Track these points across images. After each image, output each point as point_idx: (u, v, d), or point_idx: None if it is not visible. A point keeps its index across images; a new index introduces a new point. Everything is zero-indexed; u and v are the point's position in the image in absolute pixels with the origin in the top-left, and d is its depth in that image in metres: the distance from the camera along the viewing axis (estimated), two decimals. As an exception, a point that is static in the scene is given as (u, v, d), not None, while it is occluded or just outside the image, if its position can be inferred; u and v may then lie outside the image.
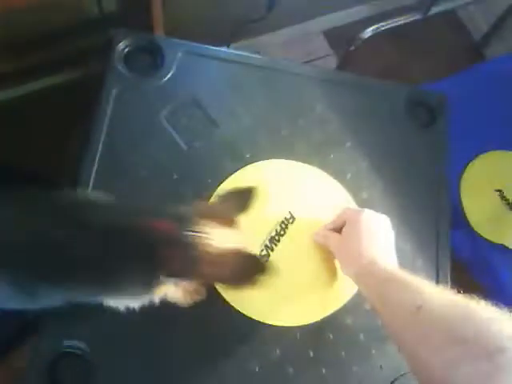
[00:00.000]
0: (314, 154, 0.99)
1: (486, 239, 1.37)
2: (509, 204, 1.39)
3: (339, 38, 1.76)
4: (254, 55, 1.08)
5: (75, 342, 0.83)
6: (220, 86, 1.03)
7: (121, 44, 1.01)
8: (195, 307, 0.85)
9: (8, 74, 1.29)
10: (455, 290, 0.69)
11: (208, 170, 0.95)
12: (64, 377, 0.82)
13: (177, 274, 0.70)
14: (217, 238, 0.68)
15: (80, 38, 1.26)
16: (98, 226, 0.67)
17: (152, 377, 0.85)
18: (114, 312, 0.79)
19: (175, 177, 0.94)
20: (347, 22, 1.77)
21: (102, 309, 0.78)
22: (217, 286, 0.87)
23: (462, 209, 1.39)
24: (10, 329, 1.06)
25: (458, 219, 1.41)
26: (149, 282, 0.71)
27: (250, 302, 0.88)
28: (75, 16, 1.22)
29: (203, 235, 0.67)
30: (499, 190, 1.39)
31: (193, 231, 0.67)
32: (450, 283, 0.96)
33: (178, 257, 0.67)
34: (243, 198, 0.74)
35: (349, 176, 0.99)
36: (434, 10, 1.67)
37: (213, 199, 0.88)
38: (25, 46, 1.25)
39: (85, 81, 1.33)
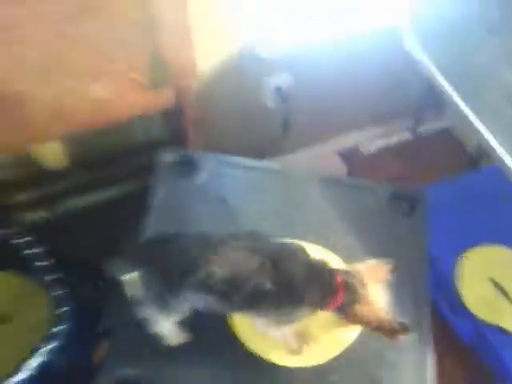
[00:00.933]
0: (318, 238, 1.23)
1: (485, 322, 1.53)
2: (502, 290, 1.56)
3: (350, 155, 2.05)
4: (270, 163, 1.39)
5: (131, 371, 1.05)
6: (242, 187, 1.33)
7: (167, 156, 1.33)
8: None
9: (80, 185, 1.64)
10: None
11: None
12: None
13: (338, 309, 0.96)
14: (372, 291, 0.96)
15: (133, 157, 1.61)
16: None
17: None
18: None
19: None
20: (356, 141, 2.07)
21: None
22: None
23: (460, 297, 1.57)
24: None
25: (457, 307, 1.59)
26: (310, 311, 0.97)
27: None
28: (127, 140, 1.58)
29: (364, 285, 0.95)
30: (492, 279, 1.58)
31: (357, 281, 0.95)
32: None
33: (344, 296, 0.94)
34: None
35: (345, 252, 1.22)
36: (431, 128, 1.98)
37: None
38: (93, 163, 1.61)
39: (139, 192, 1.65)
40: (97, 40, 1.17)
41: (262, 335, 1.09)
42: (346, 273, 1.00)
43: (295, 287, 0.95)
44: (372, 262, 1.03)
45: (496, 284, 1.57)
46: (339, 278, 0.98)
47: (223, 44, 1.51)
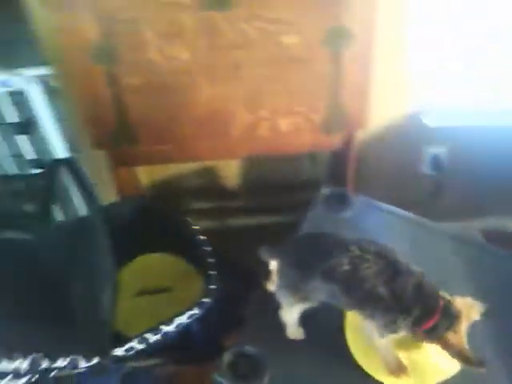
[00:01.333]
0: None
1: None
2: None
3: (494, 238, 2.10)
4: (412, 215, 1.55)
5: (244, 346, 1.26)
6: (380, 227, 1.50)
7: (325, 190, 1.57)
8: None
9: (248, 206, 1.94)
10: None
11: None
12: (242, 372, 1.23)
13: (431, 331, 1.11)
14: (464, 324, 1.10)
15: (297, 191, 1.87)
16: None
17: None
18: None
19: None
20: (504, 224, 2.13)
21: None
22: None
23: None
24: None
25: None
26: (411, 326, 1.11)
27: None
28: (296, 174, 1.85)
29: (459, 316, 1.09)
30: None
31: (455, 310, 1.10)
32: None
33: (439, 319, 1.08)
34: None
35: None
36: None
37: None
38: (255, 189, 1.91)
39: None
40: (292, 84, 1.47)
41: (370, 351, 1.24)
42: (449, 301, 1.12)
43: (405, 298, 1.10)
44: (469, 300, 1.13)
45: None
46: (441, 302, 1.11)
47: (393, 107, 1.75)
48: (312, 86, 1.48)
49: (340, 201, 1.56)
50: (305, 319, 1.29)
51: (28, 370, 1.13)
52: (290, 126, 1.55)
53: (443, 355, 1.14)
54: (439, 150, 1.89)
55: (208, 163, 1.91)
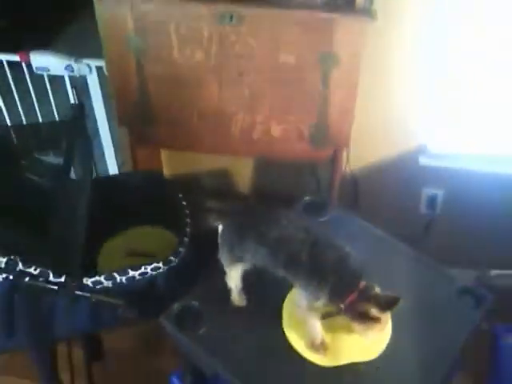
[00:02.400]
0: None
1: None
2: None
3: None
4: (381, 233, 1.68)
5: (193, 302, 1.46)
6: (349, 238, 1.64)
7: (305, 198, 1.75)
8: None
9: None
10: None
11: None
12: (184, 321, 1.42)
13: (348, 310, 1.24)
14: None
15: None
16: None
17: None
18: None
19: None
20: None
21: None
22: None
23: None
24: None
25: None
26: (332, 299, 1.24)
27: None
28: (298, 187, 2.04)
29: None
30: None
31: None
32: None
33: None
34: None
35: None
36: None
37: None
38: (263, 196, 2.13)
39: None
40: (285, 95, 1.72)
41: (299, 325, 1.37)
42: (372, 286, 1.24)
43: (324, 267, 1.24)
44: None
45: None
46: (363, 284, 1.23)
47: (389, 143, 1.93)
48: (303, 100, 1.71)
49: (318, 207, 1.73)
50: (249, 289, 1.48)
51: (5, 268, 1.40)
52: (281, 132, 1.77)
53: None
54: (435, 191, 2.02)
55: (222, 166, 2.17)
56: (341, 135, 1.75)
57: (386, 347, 1.35)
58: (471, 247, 2.14)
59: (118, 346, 2.17)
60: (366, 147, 1.98)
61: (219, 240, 1.43)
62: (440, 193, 2.03)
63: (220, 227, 1.43)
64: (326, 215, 1.70)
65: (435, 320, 1.44)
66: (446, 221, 2.09)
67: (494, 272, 2.07)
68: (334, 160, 1.81)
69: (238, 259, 1.40)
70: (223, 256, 1.42)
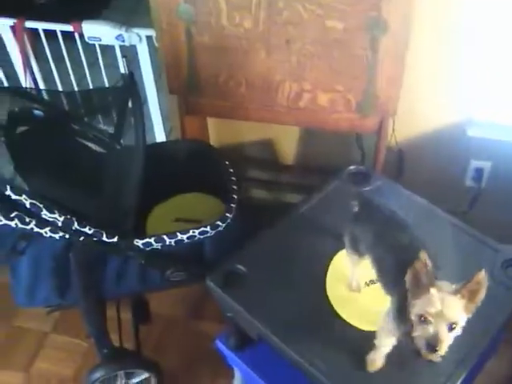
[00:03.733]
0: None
1: None
2: None
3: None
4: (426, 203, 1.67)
5: (238, 265, 1.50)
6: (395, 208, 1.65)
7: (350, 168, 1.75)
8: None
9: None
10: None
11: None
12: (230, 283, 1.46)
13: None
14: None
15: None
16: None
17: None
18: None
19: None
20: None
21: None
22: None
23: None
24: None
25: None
26: None
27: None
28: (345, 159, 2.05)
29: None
30: None
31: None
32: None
33: None
34: None
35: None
36: None
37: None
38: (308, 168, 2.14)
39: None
40: (333, 64, 1.72)
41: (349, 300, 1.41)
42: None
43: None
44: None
45: None
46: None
47: (438, 112, 1.91)
48: (350, 68, 1.71)
49: (363, 177, 1.74)
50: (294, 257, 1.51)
51: (62, 227, 1.47)
52: (328, 101, 1.78)
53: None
54: (483, 164, 1.99)
55: (267, 136, 2.19)
56: (388, 104, 1.75)
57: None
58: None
59: (163, 311, 2.25)
60: (413, 117, 1.97)
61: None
62: (487, 165, 2.00)
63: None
64: (370, 185, 1.71)
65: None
66: (492, 194, 2.06)
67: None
68: (380, 130, 1.80)
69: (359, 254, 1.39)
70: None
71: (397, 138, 2.00)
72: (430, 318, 1.02)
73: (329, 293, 1.45)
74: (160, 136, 2.35)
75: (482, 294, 1.04)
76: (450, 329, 1.02)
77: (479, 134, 1.91)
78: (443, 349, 1.03)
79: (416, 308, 1.05)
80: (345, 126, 1.84)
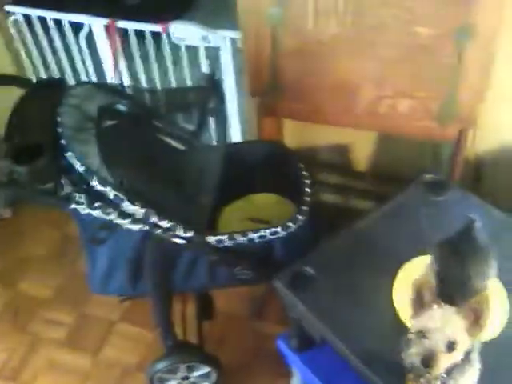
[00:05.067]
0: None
1: None
2: None
3: None
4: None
5: (307, 267, 1.51)
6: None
7: (427, 175, 1.72)
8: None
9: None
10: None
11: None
12: (297, 284, 1.48)
13: None
14: None
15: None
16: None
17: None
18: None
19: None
20: None
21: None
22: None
23: None
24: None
25: None
26: None
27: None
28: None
29: None
30: None
31: None
32: None
33: None
34: None
35: None
36: None
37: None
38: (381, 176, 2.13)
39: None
40: (416, 70, 1.69)
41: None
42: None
43: None
44: None
45: None
46: None
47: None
48: (434, 75, 1.68)
49: (438, 186, 1.71)
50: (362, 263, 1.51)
51: (142, 219, 1.53)
52: (408, 108, 1.75)
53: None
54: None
55: (342, 141, 2.19)
56: (469, 114, 1.70)
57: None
58: None
59: (227, 308, 2.29)
60: (494, 130, 1.90)
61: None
62: None
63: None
64: (445, 195, 1.67)
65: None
66: None
67: None
68: (459, 139, 1.76)
69: None
70: None
71: (476, 148, 1.94)
72: (427, 334, 0.99)
73: (395, 301, 1.43)
74: (237, 136, 2.39)
75: (485, 318, 1.00)
76: (449, 348, 0.99)
77: None
78: (439, 367, 0.99)
79: (416, 324, 1.04)
80: (423, 133, 1.81)
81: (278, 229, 1.65)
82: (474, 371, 1.12)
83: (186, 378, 1.91)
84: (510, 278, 1.43)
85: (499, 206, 1.63)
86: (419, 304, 1.06)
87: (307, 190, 1.76)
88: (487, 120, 1.84)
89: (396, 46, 1.68)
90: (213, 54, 2.17)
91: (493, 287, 1.36)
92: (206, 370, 1.91)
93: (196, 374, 1.91)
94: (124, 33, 2.24)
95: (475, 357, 1.10)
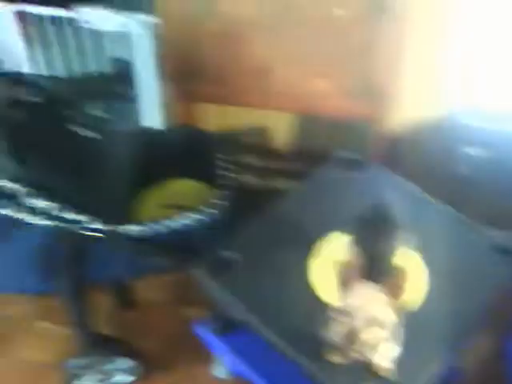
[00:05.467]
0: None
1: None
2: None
3: None
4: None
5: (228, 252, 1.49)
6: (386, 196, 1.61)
7: (343, 153, 1.74)
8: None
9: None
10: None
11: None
12: (217, 270, 1.46)
13: None
14: None
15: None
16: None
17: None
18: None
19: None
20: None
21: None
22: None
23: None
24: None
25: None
26: None
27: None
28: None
29: None
30: None
31: None
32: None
33: None
34: None
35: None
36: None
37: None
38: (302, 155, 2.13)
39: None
40: (328, 48, 1.69)
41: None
42: None
43: None
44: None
45: None
46: None
47: (431, 101, 1.88)
48: (348, 54, 1.69)
49: (355, 164, 1.72)
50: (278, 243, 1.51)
51: (53, 214, 1.46)
52: (323, 87, 1.75)
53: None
54: (476, 152, 1.97)
55: (261, 123, 2.17)
56: (384, 92, 1.72)
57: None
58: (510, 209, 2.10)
59: (148, 296, 2.22)
60: (408, 105, 1.94)
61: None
62: (481, 153, 1.98)
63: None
64: (363, 172, 1.69)
65: (471, 278, 1.43)
66: (484, 182, 2.04)
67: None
68: (375, 117, 1.78)
69: None
70: None
71: (391, 125, 1.97)
72: (350, 311, 1.01)
73: (313, 278, 1.44)
74: (154, 122, 2.33)
75: (403, 291, 1.05)
76: (372, 324, 1.01)
77: (473, 122, 1.89)
78: (363, 344, 1.01)
79: (340, 303, 1.06)
80: (340, 112, 1.82)
81: (198, 215, 1.61)
82: (393, 345, 1.14)
83: (107, 372, 1.86)
84: (428, 252, 1.47)
85: (416, 182, 1.66)
86: (343, 282, 1.07)
87: (227, 174, 1.73)
88: (401, 96, 1.87)
89: (310, 26, 1.67)
90: (126, 39, 2.09)
91: (411, 261, 1.40)
92: (127, 362, 1.86)
93: (118, 366, 1.86)
94: (36, 19, 2.12)
95: (396, 330, 1.11)
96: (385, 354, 1.13)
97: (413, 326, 1.12)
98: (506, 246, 1.49)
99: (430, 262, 1.46)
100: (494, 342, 1.97)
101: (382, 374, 1.19)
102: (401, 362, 1.19)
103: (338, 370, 1.23)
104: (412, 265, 1.42)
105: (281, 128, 2.17)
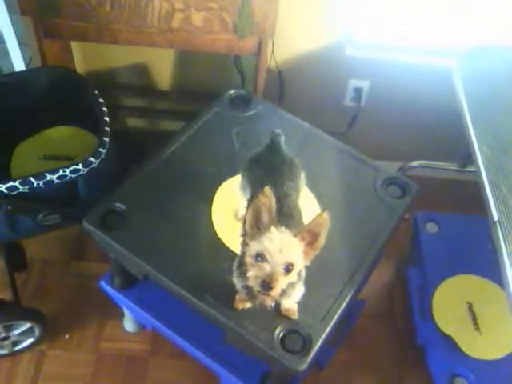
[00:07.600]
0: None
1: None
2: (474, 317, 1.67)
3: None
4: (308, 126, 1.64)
5: (117, 203, 1.40)
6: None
7: (230, 91, 1.68)
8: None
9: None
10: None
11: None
12: (108, 223, 1.37)
13: None
14: None
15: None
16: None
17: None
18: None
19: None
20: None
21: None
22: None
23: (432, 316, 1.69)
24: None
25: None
26: None
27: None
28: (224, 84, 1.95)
29: None
30: (469, 303, 1.70)
31: None
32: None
33: None
34: None
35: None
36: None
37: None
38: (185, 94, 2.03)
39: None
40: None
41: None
42: None
43: None
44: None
45: (471, 310, 1.67)
46: None
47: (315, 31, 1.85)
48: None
49: (243, 101, 1.67)
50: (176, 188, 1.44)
51: None
52: (202, 21, 1.65)
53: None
54: (361, 83, 1.99)
55: (140, 61, 2.04)
56: (265, 24, 1.66)
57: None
58: (394, 140, 2.18)
59: (41, 255, 2.11)
60: (292, 37, 1.90)
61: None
62: (365, 85, 2.00)
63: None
64: (251, 109, 1.65)
65: (362, 210, 1.47)
66: (370, 113, 2.09)
67: (414, 163, 2.12)
68: (259, 51, 1.72)
69: None
70: None
71: (276, 60, 1.93)
72: (267, 256, 0.98)
73: (215, 224, 1.40)
74: (19, 65, 2.09)
75: (322, 239, 1.01)
76: (287, 270, 0.99)
77: (357, 54, 1.89)
78: (277, 290, 0.99)
79: (254, 247, 1.01)
80: (221, 47, 1.73)
81: (79, 165, 1.49)
82: (301, 287, 1.14)
83: (6, 338, 1.75)
84: (319, 189, 1.48)
85: (303, 116, 1.65)
86: (257, 226, 1.02)
87: (105, 118, 1.60)
88: (284, 30, 1.82)
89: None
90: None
91: (305, 197, 1.40)
92: (26, 325, 1.76)
93: (16, 331, 1.75)
94: None
95: (303, 274, 1.11)
96: (293, 296, 1.14)
97: (313, 266, 1.12)
98: (394, 177, 1.53)
99: (321, 198, 1.47)
100: (395, 270, 2.10)
101: (289, 315, 1.20)
102: (304, 301, 1.21)
103: (246, 316, 1.22)
104: (309, 204, 1.43)
105: (163, 65, 2.05)
